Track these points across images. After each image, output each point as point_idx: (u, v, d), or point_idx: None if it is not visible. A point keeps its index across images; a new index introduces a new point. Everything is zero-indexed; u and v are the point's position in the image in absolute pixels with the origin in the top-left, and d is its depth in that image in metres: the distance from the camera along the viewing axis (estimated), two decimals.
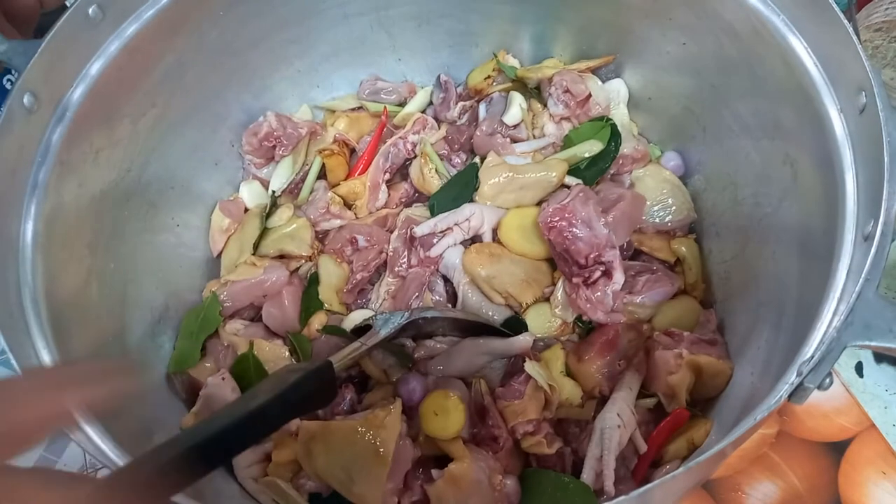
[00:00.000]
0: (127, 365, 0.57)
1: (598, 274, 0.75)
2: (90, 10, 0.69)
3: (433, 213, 0.86)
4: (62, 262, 0.68)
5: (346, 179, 0.95)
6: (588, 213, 0.76)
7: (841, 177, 0.60)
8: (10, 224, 0.65)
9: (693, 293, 0.84)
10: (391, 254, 0.85)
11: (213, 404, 0.76)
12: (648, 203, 0.85)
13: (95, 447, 0.56)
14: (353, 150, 0.99)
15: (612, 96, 0.92)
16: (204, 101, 0.88)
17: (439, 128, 0.98)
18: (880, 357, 0.90)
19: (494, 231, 0.85)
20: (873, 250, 0.52)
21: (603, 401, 0.74)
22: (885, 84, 0.87)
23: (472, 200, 0.85)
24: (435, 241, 0.83)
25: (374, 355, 0.80)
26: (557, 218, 0.76)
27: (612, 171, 0.88)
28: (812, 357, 0.51)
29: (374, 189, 0.92)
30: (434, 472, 0.68)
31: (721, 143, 0.83)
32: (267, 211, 0.90)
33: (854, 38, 0.59)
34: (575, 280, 0.76)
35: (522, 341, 0.75)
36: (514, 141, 0.91)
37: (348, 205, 0.94)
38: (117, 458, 0.55)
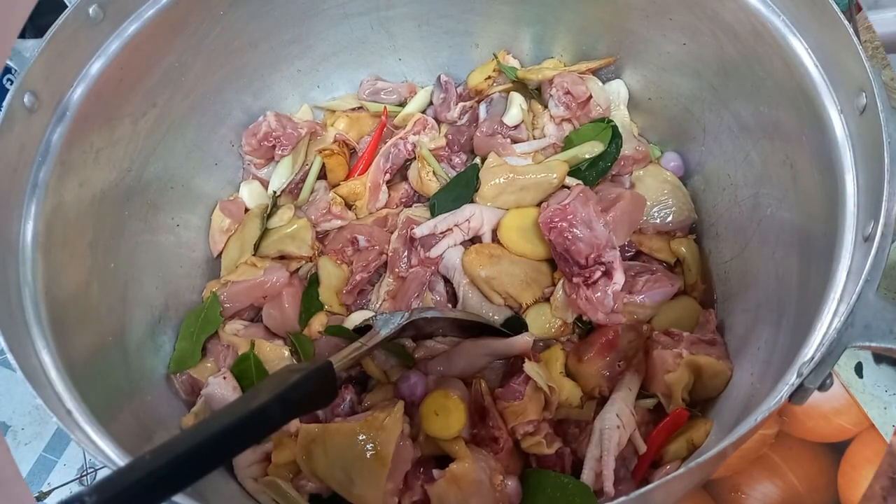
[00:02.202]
0: None
1: (598, 274, 0.75)
2: (90, 10, 0.69)
3: (433, 214, 0.86)
4: (62, 262, 0.68)
5: (346, 180, 0.95)
6: (588, 214, 0.76)
7: (841, 177, 0.60)
8: (11, 224, 0.65)
9: (693, 293, 0.85)
10: (391, 254, 0.85)
11: (213, 404, 0.76)
12: (648, 203, 0.85)
13: (95, 447, 0.56)
14: (353, 151, 0.99)
15: (613, 97, 0.92)
16: (204, 100, 0.88)
17: (439, 128, 0.98)
18: (880, 358, 0.90)
19: (494, 232, 0.85)
20: (873, 251, 0.52)
21: (602, 401, 0.75)
22: (885, 85, 0.87)
23: (472, 201, 0.85)
24: (435, 241, 0.83)
25: (375, 356, 0.80)
26: (558, 219, 0.76)
27: (612, 172, 0.88)
28: (812, 358, 0.51)
29: (374, 189, 0.92)
30: (435, 472, 0.68)
31: (721, 143, 0.83)
32: (268, 211, 0.90)
33: (854, 38, 0.59)
34: (575, 280, 0.76)
35: (523, 341, 0.75)
36: (515, 141, 0.91)
37: (348, 205, 0.94)
38: (117, 457, 0.55)
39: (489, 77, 0.96)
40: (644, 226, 0.86)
